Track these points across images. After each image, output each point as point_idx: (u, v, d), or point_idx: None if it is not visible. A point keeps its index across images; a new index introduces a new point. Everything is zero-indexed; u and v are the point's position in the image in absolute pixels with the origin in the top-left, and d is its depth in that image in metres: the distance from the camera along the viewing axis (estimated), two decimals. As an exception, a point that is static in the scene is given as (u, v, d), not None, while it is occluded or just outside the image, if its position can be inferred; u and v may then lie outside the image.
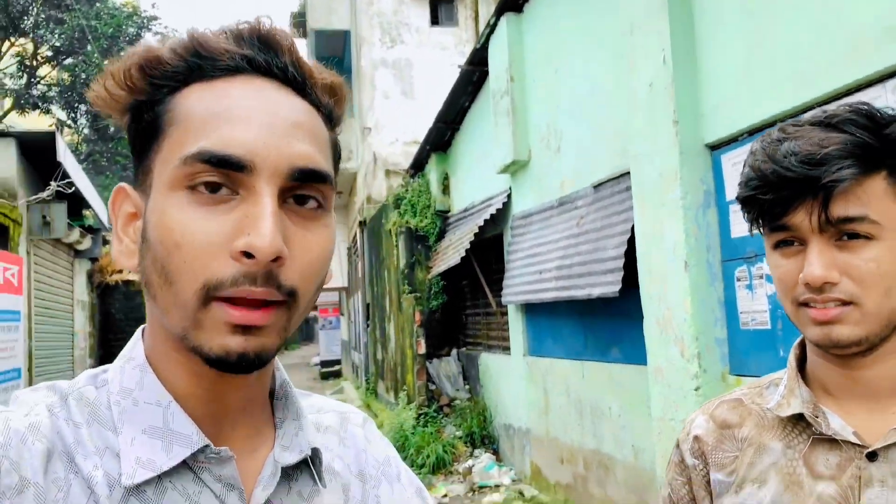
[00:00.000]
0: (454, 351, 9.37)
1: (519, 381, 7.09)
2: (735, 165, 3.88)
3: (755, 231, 0.96)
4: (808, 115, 0.93)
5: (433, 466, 7.62)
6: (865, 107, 0.88)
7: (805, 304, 0.90)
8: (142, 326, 0.72)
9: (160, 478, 0.63)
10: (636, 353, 4.84)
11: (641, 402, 4.78)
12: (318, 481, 0.73)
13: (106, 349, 11.41)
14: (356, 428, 0.85)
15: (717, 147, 4.04)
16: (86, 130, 21.17)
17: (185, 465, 0.65)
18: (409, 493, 0.85)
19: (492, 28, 7.33)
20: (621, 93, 4.87)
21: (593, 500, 5.63)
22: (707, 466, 1.04)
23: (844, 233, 0.87)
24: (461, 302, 9.53)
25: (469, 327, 9.33)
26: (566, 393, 6.09)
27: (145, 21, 20.75)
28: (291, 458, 0.71)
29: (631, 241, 4.70)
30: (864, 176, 0.86)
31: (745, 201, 0.94)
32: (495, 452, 7.83)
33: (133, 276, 11.25)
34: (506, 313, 7.57)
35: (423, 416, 8.72)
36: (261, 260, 0.59)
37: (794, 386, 0.97)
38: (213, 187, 0.61)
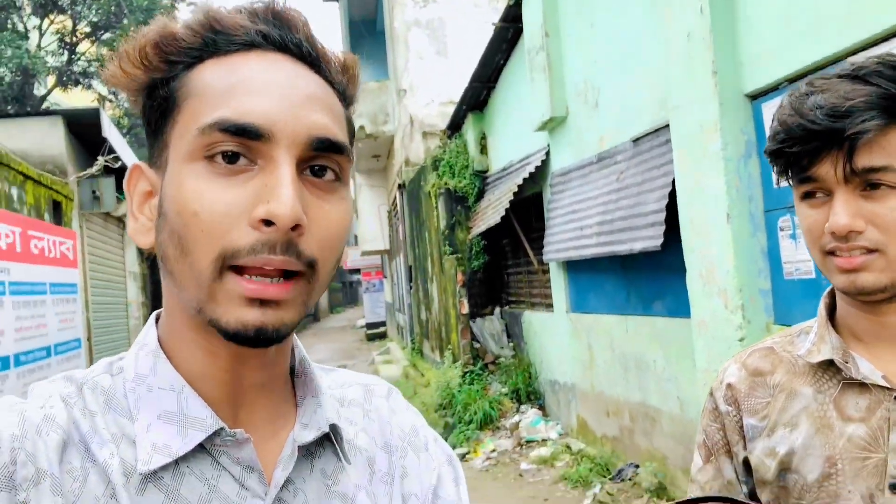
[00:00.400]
0: (497, 309, 9.45)
1: (563, 337, 7.15)
2: (777, 114, 3.83)
3: (783, 183, 0.99)
4: (836, 69, 0.95)
5: (480, 423, 7.77)
6: (893, 58, 0.90)
7: (832, 253, 0.93)
8: (155, 312, 0.72)
9: (177, 463, 0.63)
10: (679, 307, 4.85)
11: (686, 354, 4.81)
12: (341, 458, 0.72)
13: (159, 318, 11.76)
14: (381, 400, 0.83)
15: (757, 97, 3.98)
16: (126, 104, 21.51)
17: (203, 450, 0.64)
18: (438, 461, 0.82)
19: (525, -17, 7.23)
20: (658, 44, 4.81)
21: (640, 452, 5.71)
22: (740, 412, 1.08)
23: (869, 183, 0.89)
24: (502, 261, 9.58)
25: (511, 286, 9.39)
26: (610, 347, 6.14)
27: (175, -3, 20.85)
28: (309, 436, 0.70)
29: (672, 195, 4.68)
30: (889, 127, 0.88)
31: (773, 154, 0.96)
32: (541, 408, 7.94)
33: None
34: (547, 271, 7.60)
35: (468, 374, 8.86)
36: (281, 227, 0.59)
37: (825, 333, 1.01)
38: (230, 158, 0.60)
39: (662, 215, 4.81)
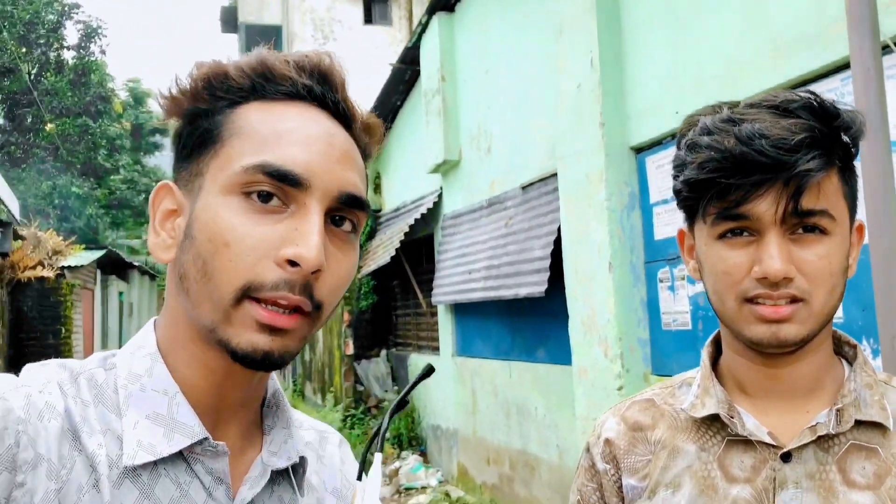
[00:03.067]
0: (383, 352, 9.28)
1: (448, 381, 7.06)
2: (659, 168, 3.94)
3: (692, 222, 0.90)
4: (757, 98, 0.87)
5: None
6: (813, 95, 0.84)
7: (752, 301, 0.85)
8: (153, 318, 0.75)
9: (156, 464, 0.66)
10: (562, 354, 4.87)
11: (566, 402, 4.81)
12: (296, 490, 0.76)
13: (17, 349, 10.83)
14: (333, 447, 0.88)
15: (641, 150, 4.09)
16: (0, 121, 20.19)
17: (181, 456, 0.67)
18: None
19: (424, 27, 7.29)
20: (550, 94, 4.90)
21: (519, 501, 5.64)
22: (619, 471, 0.99)
23: (803, 226, 0.83)
24: (391, 302, 9.45)
25: (399, 328, 9.25)
26: (493, 393, 6.09)
27: (66, 9, 19.94)
28: (280, 463, 0.74)
29: (557, 242, 4.72)
30: (829, 169, 0.83)
31: (699, 184, 0.85)
32: (423, 454, 7.78)
33: (47, 273, 10.73)
34: (436, 314, 7.53)
35: (350, 418, 8.61)
36: (305, 269, 0.64)
37: (709, 385, 0.94)
38: (265, 197, 0.66)
39: (547, 262, 4.84)
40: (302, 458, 0.77)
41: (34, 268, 10.79)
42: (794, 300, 0.83)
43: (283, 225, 0.66)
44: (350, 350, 9.13)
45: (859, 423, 0.87)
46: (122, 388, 0.68)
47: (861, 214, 0.94)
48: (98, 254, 14.35)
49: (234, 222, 0.65)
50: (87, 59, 20.60)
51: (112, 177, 21.97)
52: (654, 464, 0.96)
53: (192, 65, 0.72)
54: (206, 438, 0.68)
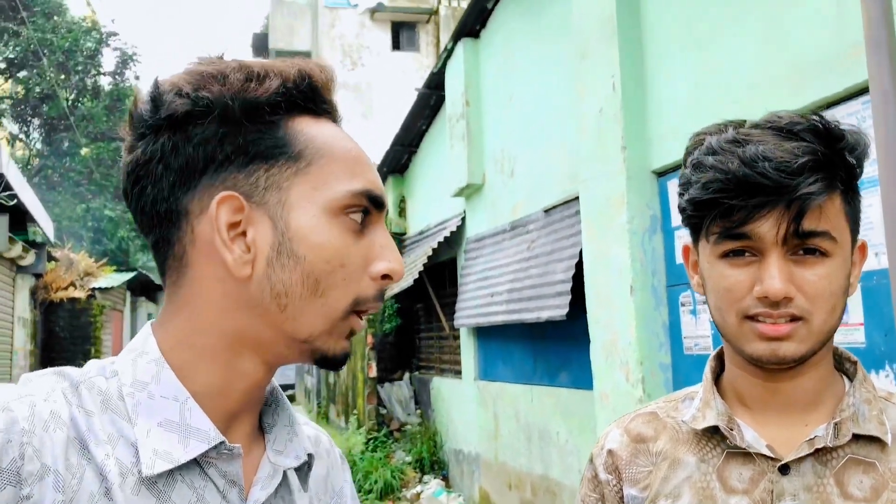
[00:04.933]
0: (406, 375, 9.27)
1: (470, 405, 7.03)
2: (680, 192, 3.93)
3: (708, 239, 0.90)
4: (763, 119, 0.89)
5: (381, 492, 7.49)
6: (817, 117, 0.86)
7: (753, 318, 0.87)
8: (150, 322, 0.74)
9: (171, 470, 0.66)
10: (583, 378, 4.83)
11: (588, 427, 4.77)
12: (300, 486, 0.78)
13: (48, 368, 11.02)
14: (324, 448, 0.89)
15: (663, 174, 4.09)
16: (38, 145, 20.71)
17: (194, 460, 0.67)
18: None
19: (449, 53, 7.38)
20: (572, 118, 4.92)
21: (540, 527, 5.58)
22: (621, 482, 1.01)
23: (806, 248, 0.85)
24: (415, 325, 9.46)
25: (422, 351, 9.25)
26: (515, 417, 6.06)
27: (104, 36, 20.49)
28: (290, 462, 0.76)
29: (579, 265, 4.71)
30: (831, 192, 0.84)
31: (702, 204, 0.87)
32: (445, 478, 7.73)
33: (79, 294, 10.95)
34: (458, 337, 7.53)
35: (372, 441, 8.59)
36: (395, 281, 0.73)
37: (710, 398, 0.96)
38: (362, 217, 0.72)
39: (569, 285, 4.83)
40: (310, 456, 0.78)
41: (66, 289, 11.01)
42: (793, 318, 0.84)
43: (368, 241, 0.72)
44: (373, 373, 9.14)
45: (858, 438, 0.88)
46: (129, 396, 0.67)
47: (879, 237, 0.94)
48: (128, 276, 14.61)
49: (347, 243, 0.70)
50: (122, 84, 21.13)
51: (144, 200, 22.38)
52: (654, 475, 0.98)
53: (223, 62, 0.70)
54: (222, 442, 0.68)
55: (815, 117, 0.85)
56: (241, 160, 0.69)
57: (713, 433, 0.94)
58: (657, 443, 1.00)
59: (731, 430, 0.91)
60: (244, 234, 0.69)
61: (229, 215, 0.68)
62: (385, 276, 0.72)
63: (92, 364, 0.71)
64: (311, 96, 0.73)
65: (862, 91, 2.78)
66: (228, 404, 0.72)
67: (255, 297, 0.69)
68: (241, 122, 0.69)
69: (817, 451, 0.87)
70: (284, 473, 0.76)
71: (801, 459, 0.88)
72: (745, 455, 0.91)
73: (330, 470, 0.88)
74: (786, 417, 0.92)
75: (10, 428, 0.59)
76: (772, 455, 0.89)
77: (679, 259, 3.93)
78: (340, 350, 0.73)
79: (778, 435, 0.91)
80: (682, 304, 3.92)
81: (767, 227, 0.83)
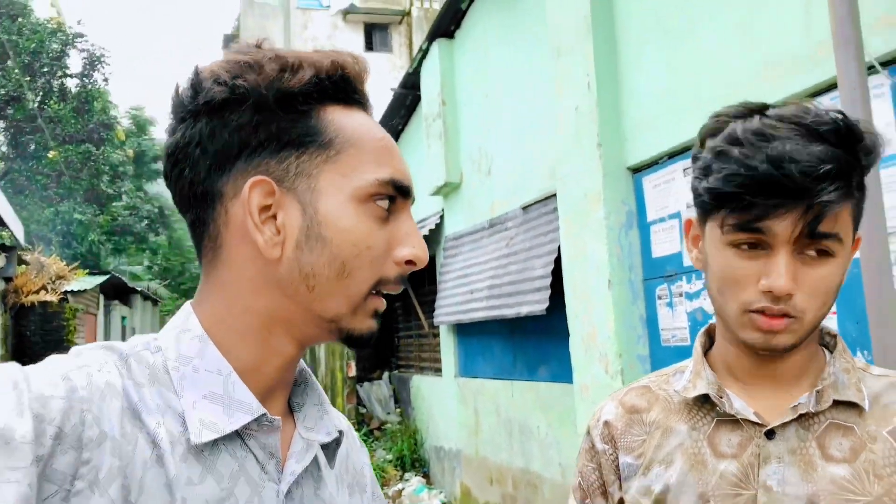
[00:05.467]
0: (386, 373, 9.30)
1: (450, 402, 7.08)
2: (656, 187, 4.02)
3: (721, 225, 0.92)
4: (788, 111, 0.91)
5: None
6: (841, 115, 0.88)
7: (752, 311, 0.91)
8: (189, 301, 0.77)
9: (215, 441, 0.69)
10: (563, 372, 4.91)
11: (568, 420, 4.85)
12: (328, 464, 0.81)
13: (20, 375, 10.83)
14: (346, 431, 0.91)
15: (638, 170, 4.18)
16: (3, 148, 20.35)
17: (235, 432, 0.70)
18: None
19: (424, 53, 7.42)
20: (549, 116, 5.00)
21: (522, 520, 5.65)
22: (616, 451, 1.07)
23: (817, 249, 0.88)
24: (394, 324, 9.49)
25: (401, 349, 9.28)
26: (496, 413, 6.12)
27: (70, 38, 20.20)
28: (322, 437, 0.79)
29: (558, 261, 4.79)
30: (847, 197, 0.88)
31: (722, 196, 0.90)
32: (426, 475, 7.77)
33: (50, 298, 10.79)
34: (438, 335, 7.57)
35: (353, 440, 8.60)
36: (419, 267, 0.76)
37: (700, 369, 1.02)
38: (388, 205, 0.75)
39: (548, 280, 4.90)
40: (340, 433, 0.81)
41: (37, 292, 10.84)
42: (789, 317, 0.90)
43: (391, 227, 0.75)
44: (352, 372, 9.15)
45: (837, 404, 0.95)
46: (174, 370, 0.70)
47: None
48: (101, 279, 14.42)
49: (373, 227, 0.73)
50: (90, 87, 20.84)
51: (114, 203, 22.10)
52: (648, 443, 1.04)
53: (260, 52, 0.73)
54: (263, 414, 0.70)
55: (838, 115, 0.88)
56: (274, 147, 0.72)
57: (703, 402, 1.01)
58: (650, 413, 1.06)
59: (721, 398, 0.98)
60: (275, 217, 0.72)
61: (261, 199, 0.71)
62: (409, 262, 0.75)
63: (137, 338, 0.74)
64: (342, 87, 0.75)
65: (831, 87, 2.88)
66: (265, 380, 0.74)
67: (284, 278, 0.72)
68: (275, 111, 0.72)
69: (801, 416, 0.94)
70: (320, 448, 0.80)
71: (785, 425, 0.94)
72: (734, 422, 0.97)
73: (350, 451, 0.90)
74: (772, 389, 0.98)
75: (70, 395, 0.62)
76: (758, 421, 0.95)
77: (656, 253, 4.02)
78: (367, 329, 0.75)
79: (765, 404, 0.97)
80: (659, 298, 4.01)
81: (783, 227, 0.87)
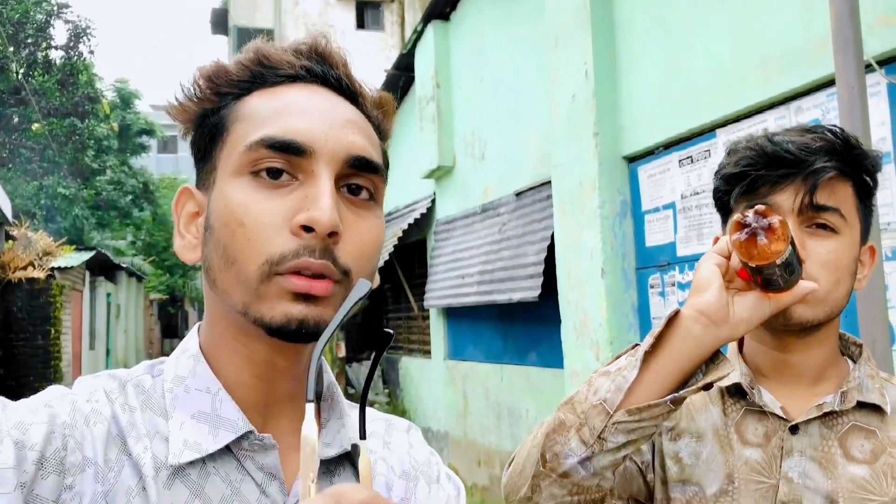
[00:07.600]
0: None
1: (439, 384, 7.14)
2: (651, 177, 4.06)
3: (725, 222, 1.02)
4: (791, 130, 1.05)
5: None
6: (840, 130, 1.01)
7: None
8: (197, 323, 0.76)
9: (205, 462, 0.66)
10: (553, 357, 4.97)
11: (557, 404, 4.90)
12: (352, 477, 0.76)
13: (7, 349, 10.81)
14: (401, 433, 0.87)
15: (633, 159, 4.21)
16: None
17: (230, 453, 0.67)
18: (447, 492, 0.86)
19: (418, 35, 7.39)
20: (544, 104, 5.01)
21: (509, 501, 5.74)
22: None
23: (816, 221, 0.98)
24: (383, 306, 9.52)
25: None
26: (485, 396, 6.19)
27: (55, 8, 19.86)
28: (330, 452, 0.73)
29: (550, 248, 4.83)
30: (841, 176, 0.99)
31: (732, 177, 1.02)
32: (413, 456, 7.86)
33: (38, 274, 10.73)
34: (427, 317, 7.62)
35: (341, 420, 8.66)
36: (319, 232, 0.63)
37: (735, 362, 1.09)
38: (274, 173, 0.66)
39: (541, 267, 4.95)
40: (354, 446, 0.75)
41: (25, 268, 10.77)
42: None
43: (295, 195, 0.65)
44: (342, 352, 9.20)
45: (861, 406, 1.01)
46: (169, 392, 0.69)
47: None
48: (87, 255, 14.32)
49: (247, 201, 0.65)
50: (75, 59, 20.53)
51: (99, 177, 21.86)
52: (680, 412, 1.09)
53: (193, 70, 0.72)
54: (250, 432, 0.67)
55: (837, 129, 1.01)
56: (201, 154, 0.73)
57: (734, 393, 1.07)
58: None
59: (752, 389, 1.04)
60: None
61: (189, 206, 0.73)
62: (306, 229, 0.64)
63: (143, 364, 0.74)
64: (261, 73, 0.71)
65: (828, 83, 2.92)
66: (254, 394, 0.71)
67: (207, 277, 0.71)
68: (205, 119, 0.72)
69: (825, 415, 1.00)
70: (350, 463, 0.76)
71: (809, 422, 1.00)
72: (761, 413, 1.04)
73: (413, 444, 0.87)
74: (797, 388, 1.05)
75: (52, 421, 0.61)
76: (784, 416, 1.02)
77: (649, 242, 4.07)
78: (281, 315, 0.64)
79: (790, 401, 1.04)
80: (651, 287, 4.07)
81: (785, 197, 0.98)
